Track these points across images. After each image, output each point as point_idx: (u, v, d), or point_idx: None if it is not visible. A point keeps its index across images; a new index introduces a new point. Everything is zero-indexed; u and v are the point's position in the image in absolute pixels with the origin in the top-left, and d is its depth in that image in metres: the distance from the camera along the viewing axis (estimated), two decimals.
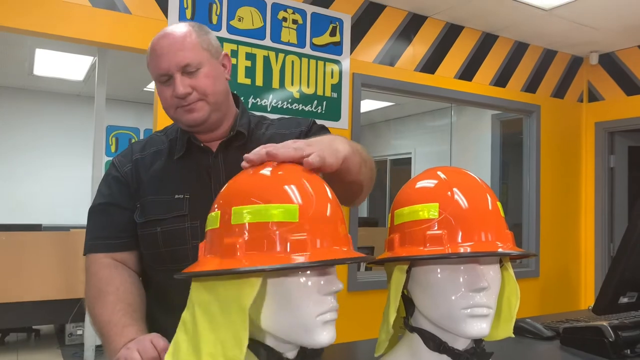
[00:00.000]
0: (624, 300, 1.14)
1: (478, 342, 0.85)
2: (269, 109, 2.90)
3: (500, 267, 0.85)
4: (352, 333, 1.57)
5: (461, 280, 0.78)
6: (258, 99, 2.88)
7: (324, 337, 0.69)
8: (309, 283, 0.69)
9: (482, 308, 0.78)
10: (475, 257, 0.79)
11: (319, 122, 1.30)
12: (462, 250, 0.77)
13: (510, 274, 0.87)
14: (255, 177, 0.72)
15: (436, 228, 0.79)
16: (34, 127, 6.44)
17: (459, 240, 0.78)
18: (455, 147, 5.71)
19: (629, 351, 1.13)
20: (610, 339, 1.12)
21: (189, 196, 1.14)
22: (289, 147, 0.74)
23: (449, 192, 0.81)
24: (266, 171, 0.72)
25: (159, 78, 1.11)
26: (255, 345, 0.72)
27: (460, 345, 0.83)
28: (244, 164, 0.75)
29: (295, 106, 2.99)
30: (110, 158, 5.63)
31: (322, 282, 0.70)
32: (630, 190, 4.26)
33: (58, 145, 6.53)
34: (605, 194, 4.22)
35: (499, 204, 0.83)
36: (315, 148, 0.76)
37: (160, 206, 1.14)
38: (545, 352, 1.22)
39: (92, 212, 1.19)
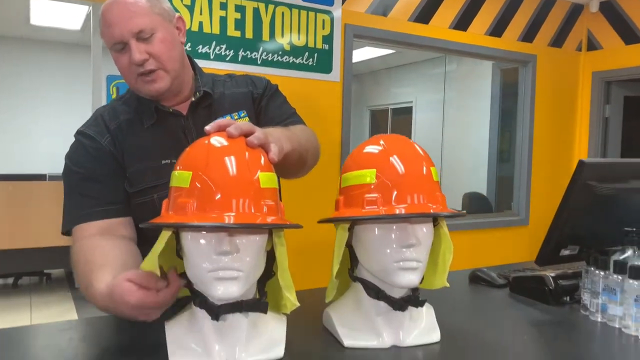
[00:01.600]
0: (565, 252, 1.24)
1: (414, 290, 0.95)
2: (259, 62, 2.93)
3: (436, 225, 0.95)
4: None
5: (393, 237, 0.88)
6: (248, 52, 2.90)
7: (218, 291, 0.77)
8: (200, 242, 0.78)
9: (412, 262, 0.88)
10: (406, 218, 0.88)
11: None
12: (397, 212, 0.86)
13: (445, 232, 0.96)
14: (191, 145, 0.86)
15: (373, 191, 0.88)
16: (34, 76, 6.46)
17: (393, 202, 0.87)
18: (455, 95, 5.69)
19: (567, 298, 1.24)
20: (550, 287, 1.23)
21: (175, 160, 1.18)
22: (261, 133, 0.85)
23: (387, 159, 0.89)
24: (206, 140, 0.84)
25: (114, 47, 1.11)
26: (193, 291, 0.84)
27: (397, 293, 0.94)
28: (208, 128, 0.85)
29: (285, 59, 3.01)
30: None
31: (205, 243, 0.77)
32: (624, 140, 4.29)
33: (58, 95, 6.56)
34: (598, 143, 4.26)
35: (433, 169, 0.91)
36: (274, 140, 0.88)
37: (151, 173, 1.15)
38: (496, 298, 1.33)
39: (70, 184, 1.13)
